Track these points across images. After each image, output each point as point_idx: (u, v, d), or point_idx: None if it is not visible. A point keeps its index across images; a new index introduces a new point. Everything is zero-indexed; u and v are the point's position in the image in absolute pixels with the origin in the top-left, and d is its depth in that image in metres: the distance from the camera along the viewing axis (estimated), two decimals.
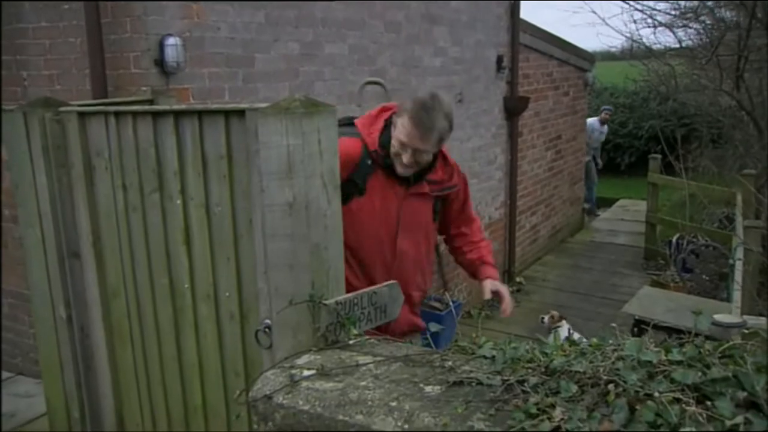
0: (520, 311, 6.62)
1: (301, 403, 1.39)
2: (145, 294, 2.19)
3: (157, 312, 2.16)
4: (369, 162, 2.48)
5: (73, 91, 3.47)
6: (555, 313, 5.31)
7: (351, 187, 2.42)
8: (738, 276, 4.37)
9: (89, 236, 2.30)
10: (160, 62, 3.29)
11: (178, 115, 1.96)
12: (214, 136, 1.88)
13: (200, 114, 1.91)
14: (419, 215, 2.60)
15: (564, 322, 5.17)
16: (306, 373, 1.51)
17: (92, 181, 2.26)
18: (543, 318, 5.28)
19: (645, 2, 10.66)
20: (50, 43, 3.57)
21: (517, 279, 7.48)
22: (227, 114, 1.84)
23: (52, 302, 2.45)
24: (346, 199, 2.19)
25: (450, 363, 1.48)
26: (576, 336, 4.56)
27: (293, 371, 1.52)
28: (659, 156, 8.44)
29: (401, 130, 2.41)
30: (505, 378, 1.32)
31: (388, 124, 2.52)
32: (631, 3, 8.14)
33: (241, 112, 1.77)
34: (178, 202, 1.99)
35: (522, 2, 6.90)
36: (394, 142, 2.44)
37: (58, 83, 3.58)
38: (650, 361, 1.18)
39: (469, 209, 2.88)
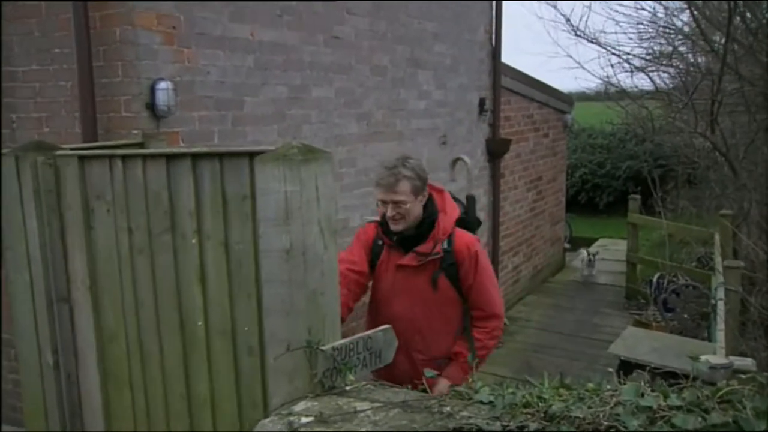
0: (505, 352, 6.62)
1: None
2: (149, 333, 2.17)
3: (162, 350, 2.15)
4: (380, 242, 2.97)
5: (62, 133, 3.47)
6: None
7: (371, 264, 2.97)
8: (721, 315, 4.43)
9: (85, 280, 2.29)
10: (151, 106, 3.31)
11: (195, 157, 1.99)
12: (236, 176, 1.92)
13: (221, 156, 1.95)
14: (412, 282, 2.92)
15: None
16: (304, 420, 1.50)
17: (90, 225, 2.26)
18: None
19: (621, 47, 11.00)
20: (40, 86, 3.58)
21: None
22: (251, 155, 1.87)
23: (39, 348, 2.42)
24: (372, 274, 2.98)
25: (448, 409, 1.48)
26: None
27: (291, 418, 1.52)
28: (638, 196, 8.59)
29: (375, 190, 2.89)
30: (505, 424, 1.33)
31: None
32: (608, 47, 8.39)
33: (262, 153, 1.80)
34: (194, 241, 2.00)
35: (503, 48, 7.09)
36: (379, 206, 2.88)
37: (47, 126, 3.58)
38: (650, 407, 1.19)
39: (479, 296, 2.98)
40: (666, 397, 1.22)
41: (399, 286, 2.94)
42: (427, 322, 2.94)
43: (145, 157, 2.10)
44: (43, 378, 2.44)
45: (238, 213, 1.92)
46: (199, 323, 2.03)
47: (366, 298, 3.14)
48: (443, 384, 2.76)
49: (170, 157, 2.04)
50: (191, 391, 2.10)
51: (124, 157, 2.14)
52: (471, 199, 3.29)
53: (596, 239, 11.99)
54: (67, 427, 2.42)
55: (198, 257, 2.01)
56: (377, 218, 3.00)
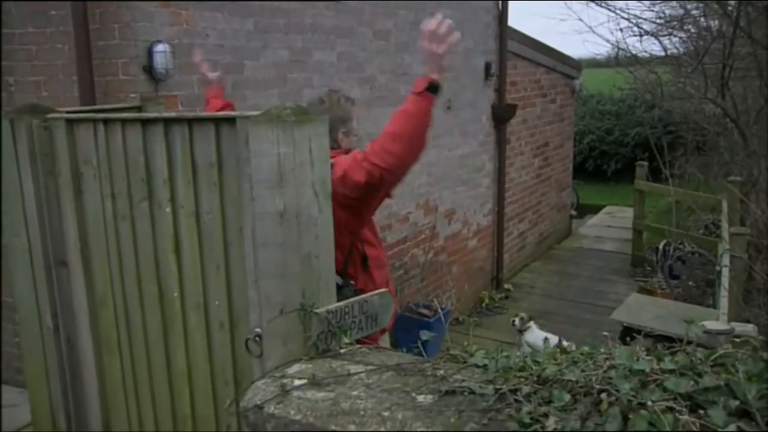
0: (507, 318, 6.62)
1: (292, 413, 1.38)
2: (133, 302, 2.17)
3: (145, 320, 2.14)
4: None
5: (61, 97, 3.44)
6: (524, 314, 5.37)
7: None
8: (725, 283, 4.40)
9: (77, 244, 2.28)
10: (148, 69, 3.27)
11: (167, 122, 1.95)
12: (205, 144, 1.87)
13: (190, 122, 1.90)
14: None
15: (532, 323, 5.23)
16: (297, 382, 1.50)
17: (80, 189, 2.24)
18: (513, 321, 5.31)
19: (631, 11, 10.77)
20: (37, 49, 3.54)
21: (506, 286, 7.50)
22: (217, 122, 1.83)
23: (38, 311, 2.43)
24: None
25: (442, 372, 1.47)
26: (565, 343, 4.56)
27: (284, 380, 1.51)
28: (646, 163, 8.51)
29: None
30: (498, 387, 1.32)
31: None
32: (618, 11, 8.21)
33: (231, 120, 1.76)
34: (168, 210, 1.97)
35: (510, 10, 6.94)
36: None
37: (45, 90, 3.55)
38: (642, 370, 1.18)
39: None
40: (660, 360, 1.21)
41: None
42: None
43: (124, 121, 2.07)
44: (43, 341, 2.45)
45: (207, 181, 1.88)
46: (175, 294, 2.02)
47: None
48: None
49: (145, 122, 2.00)
50: (171, 363, 2.11)
51: (105, 122, 2.11)
52: None
53: (603, 206, 11.93)
54: (69, 389, 2.44)
55: (172, 227, 1.99)
56: None
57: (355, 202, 2.33)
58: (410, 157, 2.28)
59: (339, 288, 2.32)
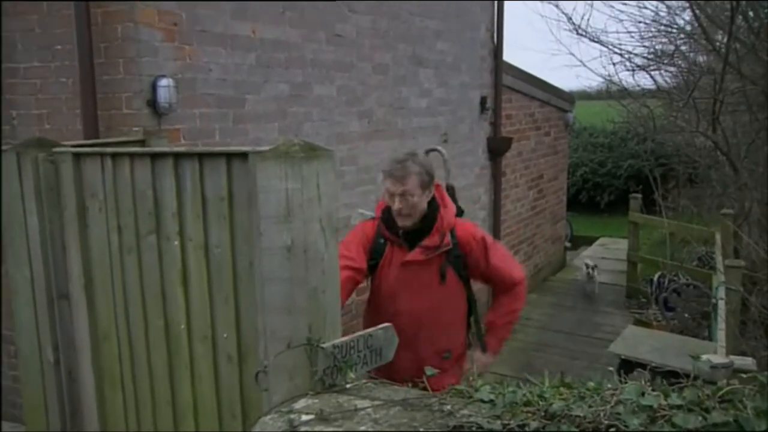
0: (505, 350, 6.58)
1: None
2: (138, 336, 2.17)
3: (150, 354, 2.14)
4: (381, 240, 2.92)
5: (63, 130, 3.47)
6: (589, 262, 5.74)
7: (371, 263, 2.90)
8: (722, 315, 4.42)
9: (80, 278, 2.29)
10: (152, 103, 3.31)
11: (177, 156, 1.98)
12: (215, 178, 1.89)
13: (201, 156, 1.93)
14: (418, 277, 2.92)
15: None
16: (304, 417, 1.50)
17: (85, 223, 2.26)
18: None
19: (623, 46, 10.98)
20: (41, 83, 3.58)
21: None
22: (229, 156, 1.86)
23: (39, 345, 2.42)
24: (372, 272, 2.91)
25: (449, 407, 1.48)
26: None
27: (292, 416, 1.51)
28: (640, 195, 8.58)
29: (386, 184, 2.85)
30: (506, 422, 1.33)
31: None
32: (610, 47, 8.37)
33: (243, 155, 1.79)
34: (176, 243, 1.99)
35: (504, 46, 7.07)
36: (386, 198, 2.86)
37: (48, 123, 3.58)
38: (651, 406, 1.19)
39: (498, 273, 3.03)
40: (667, 396, 1.22)
41: (404, 282, 2.92)
42: (434, 316, 2.95)
43: (132, 155, 2.09)
44: (43, 375, 2.44)
45: (217, 215, 1.90)
46: (182, 327, 2.02)
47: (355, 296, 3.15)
48: (483, 356, 3.03)
49: (155, 157, 2.03)
50: (175, 397, 2.10)
51: (113, 155, 2.13)
52: (451, 189, 3.29)
53: (597, 238, 11.98)
54: (68, 425, 2.42)
55: (180, 260, 2.00)
56: (373, 214, 2.99)
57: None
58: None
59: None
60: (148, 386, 2.16)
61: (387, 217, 2.90)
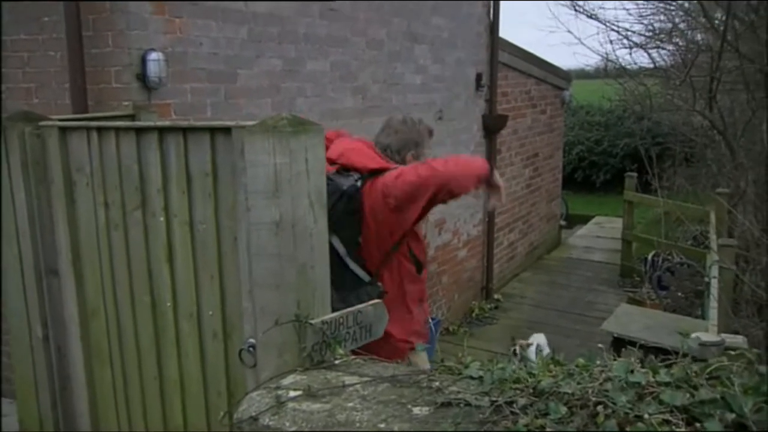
0: (498, 328, 6.64)
1: (287, 424, 1.37)
2: (125, 312, 2.16)
3: (137, 330, 2.13)
4: None
5: (52, 104, 3.42)
6: (523, 341, 5.26)
7: None
8: (714, 294, 4.43)
9: (68, 254, 2.26)
10: (142, 77, 3.26)
11: (162, 131, 1.94)
12: (200, 154, 1.86)
13: (185, 131, 1.90)
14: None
15: (532, 337, 5.14)
16: (292, 393, 1.49)
17: (72, 198, 2.23)
18: (514, 350, 5.20)
19: (620, 24, 10.88)
20: (29, 56, 3.52)
21: (495, 296, 7.51)
22: (213, 131, 1.83)
23: (28, 321, 2.41)
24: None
25: (437, 383, 1.47)
26: (546, 351, 4.49)
27: (279, 392, 1.51)
28: (635, 174, 8.57)
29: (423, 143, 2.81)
30: (494, 399, 1.32)
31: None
32: (607, 24, 8.28)
33: (227, 130, 1.76)
34: (162, 219, 1.97)
35: (500, 20, 6.99)
36: (412, 157, 2.75)
37: (36, 97, 3.53)
38: (639, 383, 1.18)
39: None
40: (655, 373, 1.21)
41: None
42: None
43: (118, 130, 2.06)
44: (33, 351, 2.43)
45: (202, 191, 1.88)
46: (168, 304, 2.01)
47: None
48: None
49: (140, 131, 2.00)
50: (163, 374, 2.10)
51: (99, 130, 2.10)
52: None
53: (592, 217, 12.00)
54: (58, 400, 2.41)
55: (166, 236, 1.98)
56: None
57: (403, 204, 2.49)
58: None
59: (363, 284, 2.41)
60: (135, 362, 2.15)
61: None
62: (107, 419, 2.31)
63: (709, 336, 2.53)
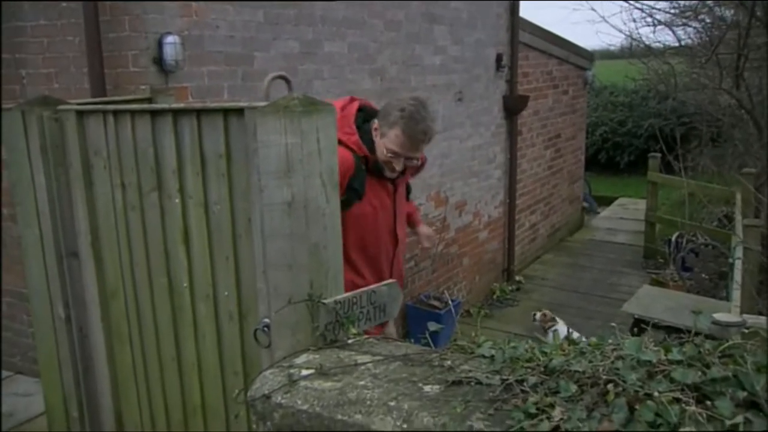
0: (519, 310, 6.63)
1: (299, 402, 1.39)
2: (143, 294, 2.19)
3: (155, 311, 2.16)
4: (363, 168, 2.58)
5: (72, 89, 3.46)
6: (547, 312, 5.21)
7: (351, 193, 2.54)
8: (737, 275, 4.36)
9: (87, 236, 2.30)
10: (159, 61, 3.28)
11: (176, 113, 1.95)
12: (213, 135, 1.87)
13: (198, 113, 1.90)
14: (403, 202, 2.87)
15: (559, 320, 5.08)
16: (304, 372, 1.50)
17: (90, 180, 2.25)
18: (535, 315, 5.20)
19: (645, 1, 10.66)
20: (48, 42, 3.56)
21: (517, 278, 7.48)
22: (226, 112, 1.83)
23: (50, 302, 2.45)
24: (346, 205, 2.40)
25: (449, 362, 1.47)
26: (575, 335, 4.29)
27: (292, 370, 1.52)
28: (659, 155, 8.44)
29: (394, 140, 2.53)
30: (504, 377, 1.32)
31: (360, 127, 2.60)
32: (631, 2, 8.12)
33: (240, 111, 1.76)
34: (177, 201, 1.98)
35: (522, 1, 6.90)
36: (384, 151, 2.57)
37: (57, 82, 3.57)
38: (650, 361, 1.17)
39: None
40: (667, 351, 1.20)
41: (399, 209, 2.78)
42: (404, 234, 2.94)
43: (133, 113, 2.07)
44: (56, 331, 2.48)
45: (216, 172, 1.89)
46: (185, 285, 2.03)
47: None
48: (425, 228, 3.16)
49: (155, 114, 2.01)
50: (180, 354, 2.12)
51: (115, 113, 2.12)
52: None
53: (616, 198, 11.86)
54: (81, 380, 2.46)
55: (181, 218, 1.99)
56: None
57: None
58: None
59: None
60: (154, 343, 2.18)
61: (370, 146, 2.60)
62: (128, 397, 2.35)
63: (729, 316, 2.50)
